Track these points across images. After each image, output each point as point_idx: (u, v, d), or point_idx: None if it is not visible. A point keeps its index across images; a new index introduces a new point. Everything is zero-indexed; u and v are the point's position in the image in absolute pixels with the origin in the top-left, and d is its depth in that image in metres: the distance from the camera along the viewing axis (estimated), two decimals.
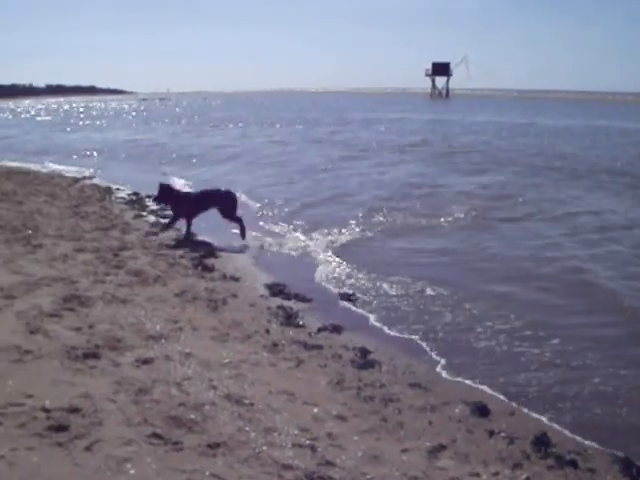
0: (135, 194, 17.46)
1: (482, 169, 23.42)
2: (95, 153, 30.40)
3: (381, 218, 14.45)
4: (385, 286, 9.52)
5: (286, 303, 8.68)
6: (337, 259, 11.04)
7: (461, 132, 42.02)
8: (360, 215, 14.63)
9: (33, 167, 24.05)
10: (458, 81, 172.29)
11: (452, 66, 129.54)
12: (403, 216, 14.63)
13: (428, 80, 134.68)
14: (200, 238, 12.34)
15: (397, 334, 7.85)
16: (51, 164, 25.16)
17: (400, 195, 17.63)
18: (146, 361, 5.91)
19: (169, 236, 12.29)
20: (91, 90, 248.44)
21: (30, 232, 11.45)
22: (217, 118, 63.20)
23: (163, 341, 6.63)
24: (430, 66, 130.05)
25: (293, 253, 11.69)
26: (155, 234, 12.06)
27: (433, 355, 7.26)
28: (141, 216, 14.14)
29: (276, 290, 9.13)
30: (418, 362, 7.01)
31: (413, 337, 7.72)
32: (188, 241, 11.57)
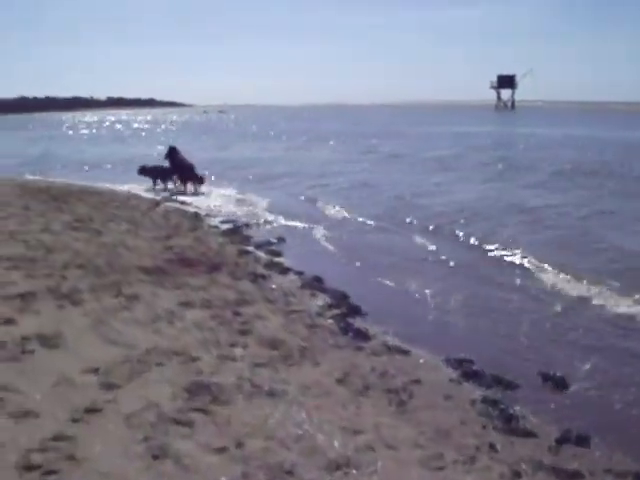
0: (231, 222, 15.56)
1: None
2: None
3: None
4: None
5: (489, 393, 6.47)
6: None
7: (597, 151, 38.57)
8: None
9: (110, 186, 22.47)
10: (522, 93, 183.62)
11: (517, 78, 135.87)
12: None
13: (490, 92, 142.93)
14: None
15: None
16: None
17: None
18: None
19: (290, 280, 10.27)
20: (150, 102, 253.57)
21: (120, 276, 9.57)
22: (307, 132, 61.73)
23: (354, 472, 4.51)
24: (495, 78, 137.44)
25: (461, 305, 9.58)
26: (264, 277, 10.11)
27: None
28: (247, 252, 12.20)
29: (468, 370, 6.93)
30: None
31: None
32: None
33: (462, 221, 16.23)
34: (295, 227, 15.95)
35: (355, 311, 8.87)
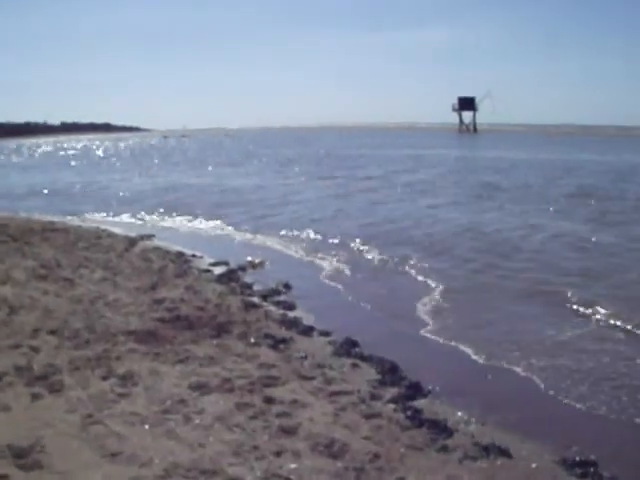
0: (224, 264, 13.84)
1: None
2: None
3: None
4: None
5: None
6: None
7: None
8: None
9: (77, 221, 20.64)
10: (485, 116, 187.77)
11: (477, 100, 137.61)
12: None
13: (454, 115, 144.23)
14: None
15: None
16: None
17: None
18: None
19: (318, 344, 8.63)
20: (106, 127, 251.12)
21: (105, 345, 7.85)
22: (287, 158, 60.19)
23: None
24: (457, 101, 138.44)
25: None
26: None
27: None
28: (254, 305, 10.47)
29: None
30: None
31: None
32: None
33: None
34: (288, 263, 14.28)
35: (416, 389, 7.18)
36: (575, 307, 10.80)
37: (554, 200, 25.30)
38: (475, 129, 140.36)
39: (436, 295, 11.85)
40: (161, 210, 23.91)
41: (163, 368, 7.47)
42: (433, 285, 12.52)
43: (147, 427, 5.81)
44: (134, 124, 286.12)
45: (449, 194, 28.20)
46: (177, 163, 56.66)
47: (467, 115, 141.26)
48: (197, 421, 6.01)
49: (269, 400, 6.59)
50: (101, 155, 77.28)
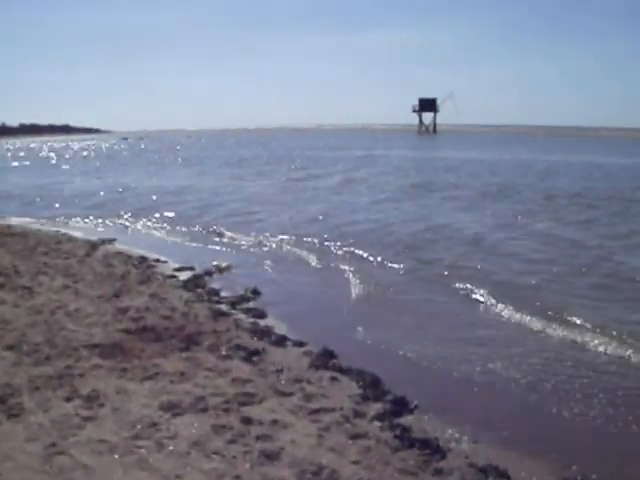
0: (188, 269, 13.27)
1: None
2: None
3: None
4: None
5: None
6: None
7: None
8: None
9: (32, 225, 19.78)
10: (446, 117, 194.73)
11: (439, 102, 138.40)
12: None
13: (414, 116, 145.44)
14: None
15: None
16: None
17: None
18: None
19: (293, 355, 8.26)
20: (66, 129, 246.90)
21: (67, 361, 7.28)
22: (244, 158, 59.64)
23: None
24: (417, 102, 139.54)
25: None
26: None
27: None
28: (222, 314, 9.91)
29: None
30: None
31: None
32: None
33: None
34: (257, 271, 13.82)
35: (401, 404, 6.72)
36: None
37: (468, 197, 27.19)
38: (435, 130, 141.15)
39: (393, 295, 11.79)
40: (122, 213, 23.14)
41: (131, 386, 6.91)
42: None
43: (117, 456, 5.27)
44: (94, 126, 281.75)
45: (376, 192, 29.47)
46: (125, 164, 55.54)
47: (428, 116, 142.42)
48: (171, 447, 5.48)
49: (247, 421, 6.08)
50: (51, 157, 75.20)
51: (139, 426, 5.85)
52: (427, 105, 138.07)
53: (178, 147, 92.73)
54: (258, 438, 5.74)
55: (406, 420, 6.44)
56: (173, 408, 6.30)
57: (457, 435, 6.17)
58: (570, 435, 6.38)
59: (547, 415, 6.81)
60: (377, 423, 6.29)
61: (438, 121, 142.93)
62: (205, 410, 6.30)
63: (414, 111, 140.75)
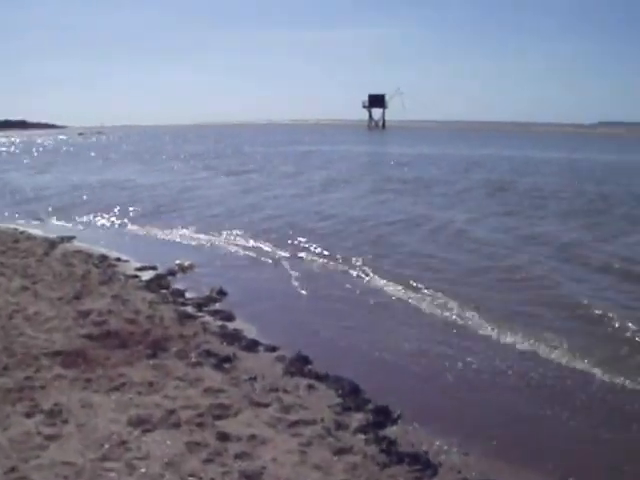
0: (151, 269, 12.72)
1: None
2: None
3: None
4: None
5: None
6: None
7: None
8: None
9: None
10: (395, 112, 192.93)
11: (387, 98, 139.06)
12: None
13: (364, 112, 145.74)
14: None
15: None
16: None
17: None
18: None
19: (265, 361, 7.84)
20: (22, 124, 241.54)
21: (26, 371, 6.76)
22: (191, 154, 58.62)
23: None
24: (367, 98, 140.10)
25: None
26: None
27: None
28: (189, 316, 9.43)
29: None
30: None
31: None
32: None
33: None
34: (220, 270, 13.41)
35: (384, 414, 6.34)
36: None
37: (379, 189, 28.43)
38: (384, 126, 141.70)
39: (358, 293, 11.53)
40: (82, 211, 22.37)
41: (96, 398, 6.41)
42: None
43: None
44: (51, 121, 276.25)
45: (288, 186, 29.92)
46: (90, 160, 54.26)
47: (378, 112, 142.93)
48: (143, 470, 5.01)
49: (224, 437, 5.63)
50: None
51: (107, 445, 5.36)
52: (376, 101, 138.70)
53: (126, 144, 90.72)
54: (237, 456, 5.30)
55: (391, 432, 6.07)
56: (143, 423, 5.82)
57: (446, 447, 5.80)
58: (562, 442, 6.06)
59: (534, 421, 6.50)
60: (361, 436, 5.89)
61: (387, 117, 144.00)
62: (177, 425, 5.83)
63: (364, 107, 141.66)
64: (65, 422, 5.83)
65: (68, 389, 6.61)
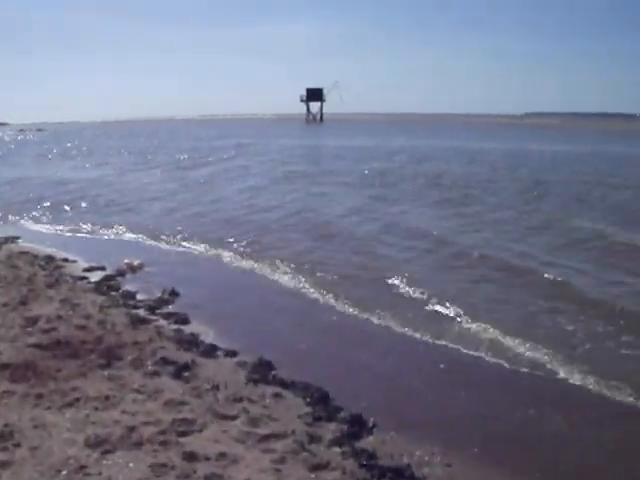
0: (99, 269, 12.15)
1: None
2: None
3: None
4: None
5: None
6: None
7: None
8: None
9: None
10: (333, 106, 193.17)
11: (325, 92, 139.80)
12: None
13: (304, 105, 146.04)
14: None
15: None
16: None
17: None
18: None
19: (226, 367, 7.45)
20: None
21: None
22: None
23: None
24: (305, 92, 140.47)
25: None
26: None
27: None
28: (142, 320, 8.92)
29: None
30: None
31: None
32: None
33: None
34: (170, 269, 12.97)
35: (358, 423, 5.97)
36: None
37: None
38: (322, 119, 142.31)
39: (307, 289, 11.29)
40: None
41: (49, 417, 5.90)
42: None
43: None
44: None
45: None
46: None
47: (316, 105, 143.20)
48: None
49: (191, 456, 5.20)
50: None
51: (64, 472, 4.89)
52: (314, 95, 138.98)
53: (73, 139, 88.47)
54: (207, 478, 4.87)
55: (368, 443, 5.73)
56: (102, 444, 5.35)
57: (427, 458, 5.50)
58: (548, 446, 5.80)
59: (510, 424, 6.23)
60: (337, 449, 5.54)
61: (325, 110, 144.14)
62: (139, 444, 5.37)
63: (302, 101, 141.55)
64: (17, 446, 5.32)
65: (18, 406, 6.08)
